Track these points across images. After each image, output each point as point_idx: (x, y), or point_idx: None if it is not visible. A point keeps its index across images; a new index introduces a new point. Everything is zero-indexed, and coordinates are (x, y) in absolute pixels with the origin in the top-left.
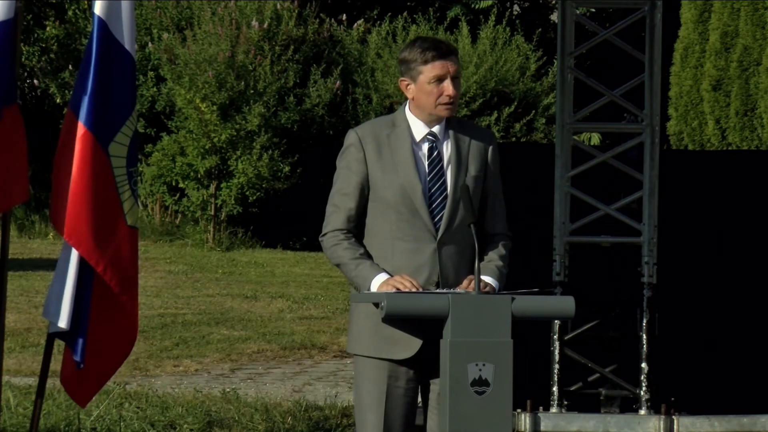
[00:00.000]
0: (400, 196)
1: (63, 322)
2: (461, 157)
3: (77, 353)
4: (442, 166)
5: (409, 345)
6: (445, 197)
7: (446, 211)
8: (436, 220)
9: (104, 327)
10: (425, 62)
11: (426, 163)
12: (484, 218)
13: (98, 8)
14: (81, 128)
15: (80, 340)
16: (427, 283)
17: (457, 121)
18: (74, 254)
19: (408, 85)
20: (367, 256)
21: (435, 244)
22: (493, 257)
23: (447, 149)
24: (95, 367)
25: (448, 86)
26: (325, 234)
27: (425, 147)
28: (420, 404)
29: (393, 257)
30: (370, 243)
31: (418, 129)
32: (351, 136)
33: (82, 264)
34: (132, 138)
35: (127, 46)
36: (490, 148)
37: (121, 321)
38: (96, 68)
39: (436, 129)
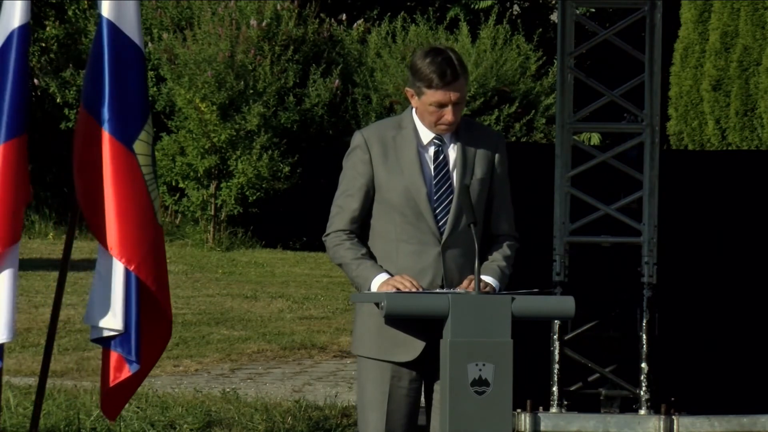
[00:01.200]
0: (404, 198)
1: (118, 324)
2: (467, 160)
3: (131, 353)
4: (448, 169)
5: (411, 348)
6: (451, 201)
7: (451, 215)
8: (440, 223)
9: (146, 329)
10: (429, 86)
11: (432, 167)
12: (490, 219)
13: (105, 10)
14: (105, 135)
15: (133, 339)
16: (431, 286)
17: (465, 122)
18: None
19: (412, 95)
20: (369, 256)
21: (439, 248)
22: (497, 257)
23: (453, 152)
24: (132, 376)
25: (447, 113)
26: (328, 234)
27: (431, 150)
28: (423, 405)
29: (397, 259)
30: (375, 244)
31: (425, 132)
32: (357, 138)
33: None
34: (153, 136)
35: (138, 43)
36: (498, 150)
37: (158, 323)
38: (111, 70)
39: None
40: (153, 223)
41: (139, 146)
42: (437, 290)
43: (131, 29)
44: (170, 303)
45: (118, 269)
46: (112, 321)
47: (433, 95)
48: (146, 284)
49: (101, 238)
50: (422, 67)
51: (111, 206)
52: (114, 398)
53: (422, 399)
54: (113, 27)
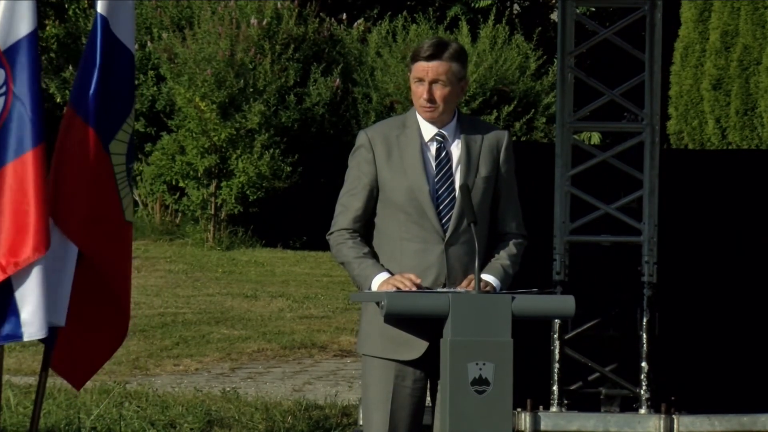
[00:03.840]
0: (408, 197)
1: (62, 321)
2: (471, 158)
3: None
4: (451, 167)
5: (415, 346)
6: (453, 198)
7: (454, 213)
8: (443, 221)
9: (93, 317)
10: (412, 61)
11: (434, 165)
12: (497, 218)
13: (101, 7)
14: (84, 126)
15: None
16: (435, 284)
17: (470, 120)
18: (74, 252)
19: (411, 81)
20: (371, 255)
21: (443, 246)
22: (502, 256)
23: (456, 150)
24: (88, 354)
25: (422, 90)
26: (331, 233)
27: (433, 148)
28: (428, 404)
29: (401, 258)
30: (380, 243)
31: (428, 130)
32: (361, 137)
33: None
34: (131, 136)
35: (127, 45)
36: (503, 147)
37: (114, 312)
38: (100, 67)
39: (445, 130)
40: (120, 219)
41: (114, 146)
42: (437, 289)
43: (122, 30)
44: (129, 295)
45: (72, 265)
46: (58, 316)
47: (414, 70)
48: (105, 278)
49: (66, 230)
50: (417, 46)
51: (83, 201)
52: (75, 372)
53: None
54: (106, 24)
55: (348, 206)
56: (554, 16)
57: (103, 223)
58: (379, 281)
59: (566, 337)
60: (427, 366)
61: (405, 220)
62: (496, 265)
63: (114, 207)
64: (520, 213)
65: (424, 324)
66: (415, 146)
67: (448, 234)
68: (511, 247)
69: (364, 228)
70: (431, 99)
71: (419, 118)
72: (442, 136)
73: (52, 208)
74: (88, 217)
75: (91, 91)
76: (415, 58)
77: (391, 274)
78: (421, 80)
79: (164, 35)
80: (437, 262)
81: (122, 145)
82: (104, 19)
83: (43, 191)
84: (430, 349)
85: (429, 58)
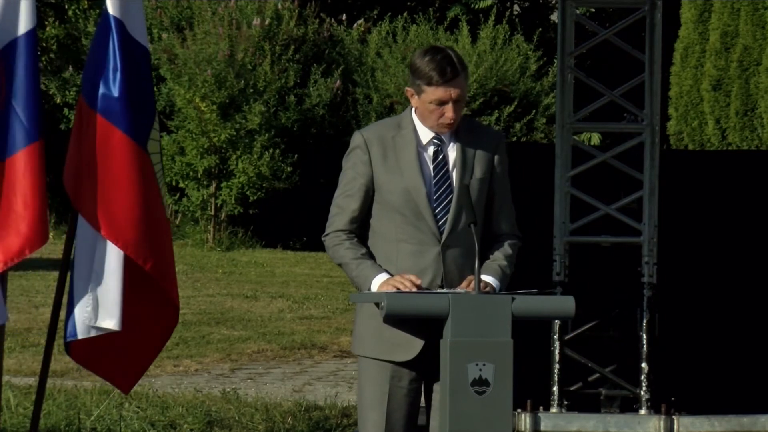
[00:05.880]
0: (404, 199)
1: (116, 324)
2: (467, 160)
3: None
4: (448, 169)
5: (409, 347)
6: (450, 200)
7: (451, 214)
8: (440, 223)
9: (138, 320)
10: (429, 84)
11: (431, 167)
12: (491, 219)
13: (112, 8)
14: (118, 133)
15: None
16: (431, 286)
17: (466, 122)
18: (117, 253)
19: (412, 95)
20: (369, 256)
21: (439, 247)
22: (498, 257)
23: (453, 152)
24: (134, 356)
25: (448, 110)
26: (327, 234)
27: (431, 150)
28: (423, 404)
29: (398, 259)
30: (376, 244)
31: (424, 132)
32: (357, 138)
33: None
34: (159, 134)
35: (143, 43)
36: (498, 149)
37: (160, 311)
38: (123, 70)
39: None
40: (163, 218)
41: (151, 146)
42: (437, 290)
43: (136, 29)
44: (177, 292)
45: (120, 266)
46: (109, 320)
47: (433, 92)
48: (155, 279)
49: (112, 236)
50: (422, 65)
51: (130, 208)
52: (126, 376)
53: (422, 399)
54: (121, 26)
55: (344, 207)
56: (554, 16)
57: (152, 226)
58: (378, 282)
59: (566, 337)
60: (422, 367)
61: (401, 221)
62: (494, 266)
63: (158, 206)
64: (513, 214)
65: (420, 325)
66: (411, 147)
67: (444, 236)
68: (507, 248)
69: (360, 229)
70: (456, 117)
71: (416, 119)
72: (439, 138)
73: (93, 216)
74: (139, 224)
75: (117, 95)
76: (432, 82)
77: (391, 274)
78: (443, 102)
79: (164, 36)
80: (433, 264)
81: (156, 144)
82: (118, 21)
83: (40, 188)
84: (425, 350)
85: (453, 79)
